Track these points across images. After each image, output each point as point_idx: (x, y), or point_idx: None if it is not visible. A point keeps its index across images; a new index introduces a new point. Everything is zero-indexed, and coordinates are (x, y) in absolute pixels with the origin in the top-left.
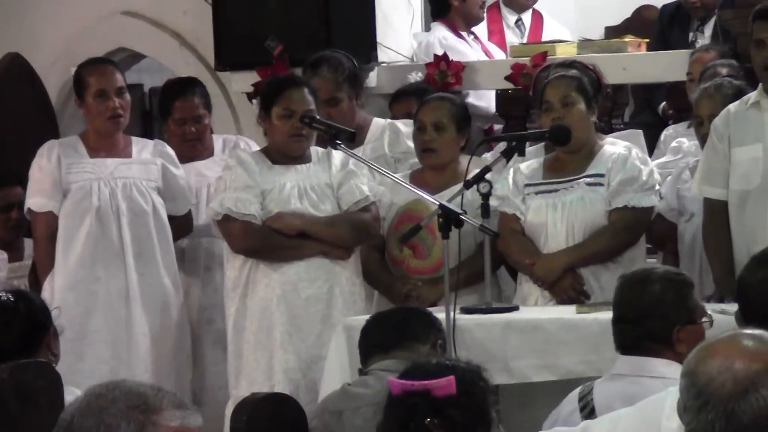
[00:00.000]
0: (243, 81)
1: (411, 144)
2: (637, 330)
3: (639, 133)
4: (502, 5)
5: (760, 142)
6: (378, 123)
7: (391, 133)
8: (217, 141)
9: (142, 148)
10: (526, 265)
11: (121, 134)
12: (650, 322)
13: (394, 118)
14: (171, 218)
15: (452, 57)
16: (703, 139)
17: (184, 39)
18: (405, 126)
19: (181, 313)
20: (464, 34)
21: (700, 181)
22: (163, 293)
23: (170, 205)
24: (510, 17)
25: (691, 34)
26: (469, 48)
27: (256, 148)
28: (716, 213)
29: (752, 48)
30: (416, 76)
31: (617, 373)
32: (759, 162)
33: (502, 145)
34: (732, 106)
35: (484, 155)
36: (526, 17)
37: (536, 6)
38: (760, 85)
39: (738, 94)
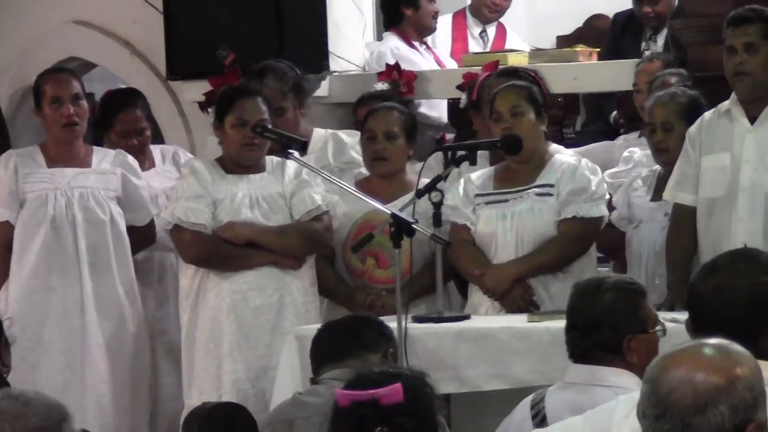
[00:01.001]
0: (194, 90)
1: (355, 154)
2: (588, 339)
3: (612, 144)
4: (468, 14)
5: (728, 150)
6: (319, 133)
7: (334, 144)
8: (155, 152)
9: (103, 158)
10: (476, 276)
11: (82, 144)
12: (601, 332)
13: (357, 122)
14: (133, 229)
15: (404, 66)
16: (655, 147)
17: (135, 48)
18: (348, 136)
19: (139, 323)
20: (416, 44)
21: (673, 186)
22: (119, 303)
23: (131, 215)
24: (475, 28)
25: (643, 44)
26: (421, 58)
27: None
28: (683, 220)
29: (724, 54)
30: (382, 86)
31: (569, 381)
32: (726, 171)
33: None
34: (706, 114)
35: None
36: (491, 29)
37: (501, 19)
38: (733, 93)
39: (692, 102)
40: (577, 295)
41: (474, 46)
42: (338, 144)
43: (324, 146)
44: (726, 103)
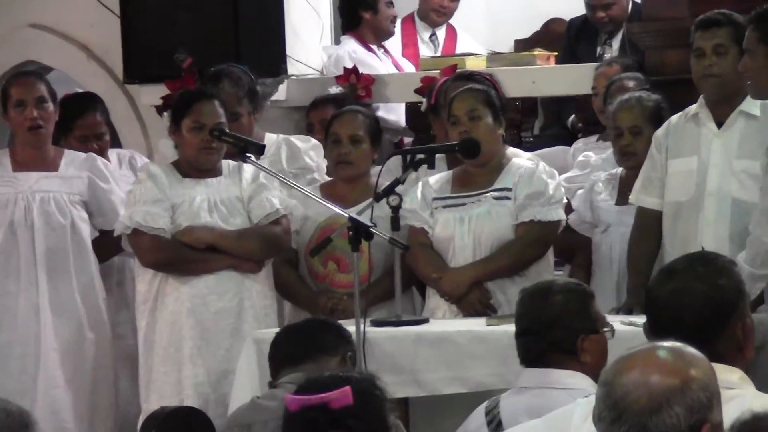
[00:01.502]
0: (152, 94)
1: (308, 160)
2: (542, 341)
3: (566, 150)
4: (416, 19)
5: (695, 154)
6: (271, 138)
7: (287, 149)
8: (112, 156)
9: (71, 162)
10: (434, 279)
11: (52, 147)
12: (555, 333)
13: (310, 125)
14: (104, 233)
15: (362, 70)
16: (622, 151)
17: (92, 52)
18: (302, 142)
19: (100, 329)
20: (374, 47)
21: (638, 190)
22: (77, 309)
23: (100, 219)
24: (424, 32)
25: (599, 48)
26: (378, 61)
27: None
28: (647, 224)
29: (692, 57)
30: (336, 89)
31: (523, 386)
32: (693, 174)
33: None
34: (673, 118)
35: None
36: (440, 32)
37: (451, 20)
38: (701, 96)
39: (656, 106)
40: (527, 299)
41: (424, 50)
42: (292, 149)
43: (277, 151)
44: (693, 107)
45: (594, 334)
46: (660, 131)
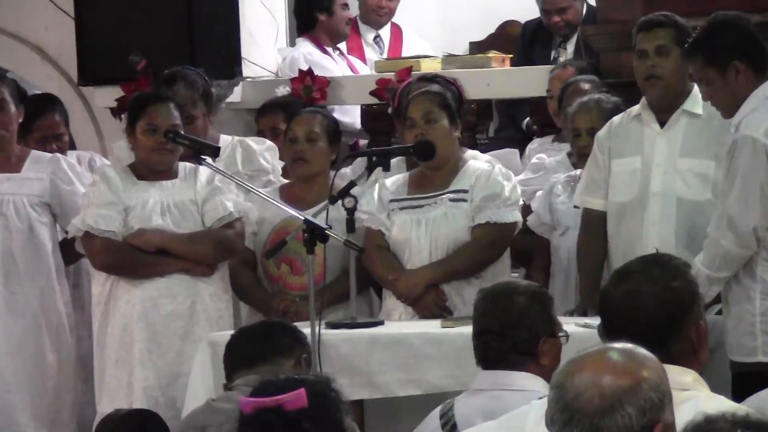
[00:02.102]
0: (106, 96)
1: (263, 162)
2: (503, 342)
3: (514, 152)
4: (359, 22)
5: (638, 154)
6: (226, 140)
7: (243, 151)
8: (72, 157)
9: (35, 163)
10: (390, 281)
11: (18, 148)
12: (517, 333)
13: (260, 131)
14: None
15: (317, 72)
16: (579, 152)
17: (47, 54)
18: (256, 144)
19: (60, 332)
20: (329, 49)
21: (582, 191)
22: (34, 312)
23: (64, 221)
24: (368, 34)
25: (553, 51)
26: (334, 63)
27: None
28: (593, 225)
29: (635, 59)
30: (284, 90)
31: (478, 388)
32: (637, 174)
33: (362, 160)
34: (615, 119)
35: (344, 169)
36: (385, 33)
37: (396, 20)
38: (643, 97)
39: (615, 108)
40: (489, 299)
41: (369, 52)
42: (247, 151)
43: (232, 153)
44: (636, 108)
45: (552, 338)
46: (602, 132)
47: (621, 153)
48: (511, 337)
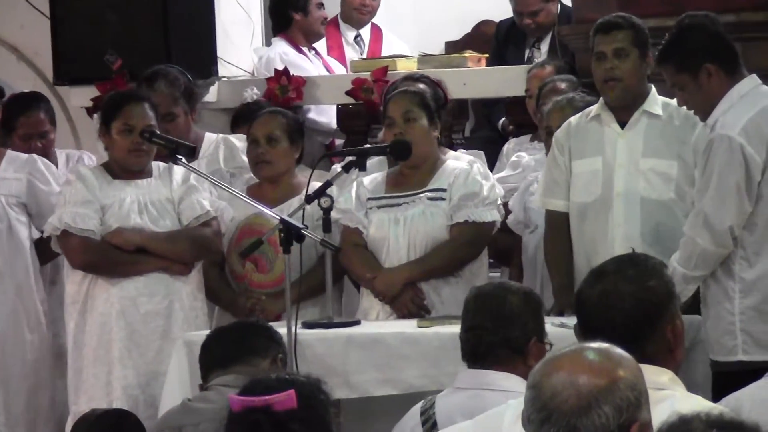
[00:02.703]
0: (82, 95)
1: (245, 158)
2: (494, 336)
3: (480, 154)
4: (340, 21)
5: (599, 155)
6: (210, 138)
7: (225, 148)
8: (61, 156)
9: (11, 163)
10: (367, 280)
11: None
12: (510, 330)
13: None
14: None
15: (293, 72)
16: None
17: (22, 53)
18: (239, 141)
19: (38, 330)
20: (305, 49)
21: (542, 193)
22: (12, 310)
23: (40, 221)
24: (349, 33)
25: (527, 51)
26: (309, 63)
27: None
28: (557, 225)
29: (593, 61)
30: (252, 93)
31: (459, 386)
32: (599, 174)
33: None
34: (573, 119)
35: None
36: (365, 33)
37: (376, 20)
38: (601, 98)
39: (588, 108)
40: (481, 297)
41: (350, 52)
42: (229, 148)
43: (215, 151)
44: (594, 108)
45: (540, 342)
46: (560, 133)
47: (582, 154)
48: (503, 332)
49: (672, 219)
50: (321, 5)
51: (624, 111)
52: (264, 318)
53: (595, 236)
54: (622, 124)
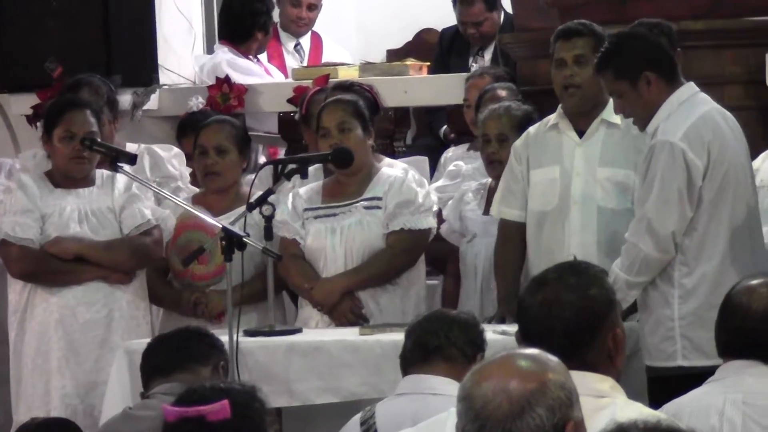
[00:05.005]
0: (22, 103)
1: (171, 168)
2: (446, 339)
3: (424, 160)
4: (280, 30)
5: (557, 164)
6: (131, 148)
7: (150, 158)
8: None
9: None
10: (305, 290)
11: None
12: (460, 337)
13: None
14: None
15: (242, 76)
16: (489, 159)
17: None
18: (163, 151)
19: None
20: (250, 57)
21: (498, 201)
22: None
23: None
24: (288, 42)
25: (470, 59)
26: (257, 66)
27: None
28: (510, 234)
29: (553, 68)
30: (197, 102)
31: (400, 392)
32: (556, 183)
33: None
34: (532, 129)
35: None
36: (305, 41)
37: (317, 28)
38: (560, 106)
39: (525, 116)
40: (427, 318)
41: (290, 60)
42: (154, 158)
43: (140, 160)
44: (552, 117)
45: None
46: (518, 142)
47: (540, 163)
48: (454, 337)
49: (628, 228)
50: (277, 23)
51: (582, 119)
52: (208, 313)
53: (552, 245)
54: (581, 133)
